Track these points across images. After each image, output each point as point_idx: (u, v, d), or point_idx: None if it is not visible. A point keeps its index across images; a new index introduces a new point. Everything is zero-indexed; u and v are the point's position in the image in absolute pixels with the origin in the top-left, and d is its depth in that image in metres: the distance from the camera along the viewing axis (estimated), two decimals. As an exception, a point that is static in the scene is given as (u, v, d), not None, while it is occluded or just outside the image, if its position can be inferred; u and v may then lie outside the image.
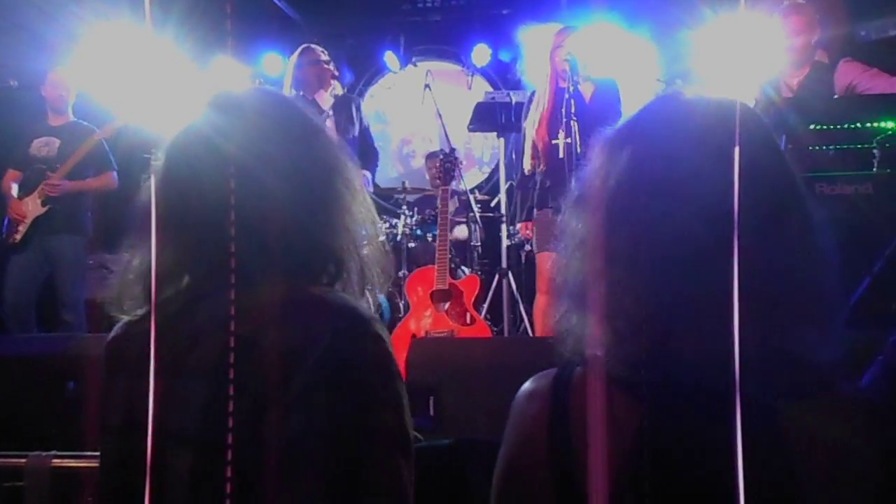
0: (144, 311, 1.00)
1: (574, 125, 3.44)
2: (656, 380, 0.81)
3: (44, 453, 1.72)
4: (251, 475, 0.82)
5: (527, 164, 3.87)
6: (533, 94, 3.96)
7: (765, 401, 0.78)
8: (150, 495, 0.88)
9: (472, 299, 4.07)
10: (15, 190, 4.62)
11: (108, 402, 1.01)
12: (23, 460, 1.73)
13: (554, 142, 3.74)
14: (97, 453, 1.71)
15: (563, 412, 0.85)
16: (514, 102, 5.11)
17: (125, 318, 1.03)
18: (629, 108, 4.16)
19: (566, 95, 3.53)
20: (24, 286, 4.50)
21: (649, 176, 0.83)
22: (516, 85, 6.23)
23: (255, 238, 0.93)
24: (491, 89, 6.70)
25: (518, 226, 4.17)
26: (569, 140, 3.62)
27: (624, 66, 4.35)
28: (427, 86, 5.48)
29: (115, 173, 4.75)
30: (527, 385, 0.92)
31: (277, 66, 6.40)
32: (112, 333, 1.05)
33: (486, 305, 4.70)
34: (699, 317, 0.78)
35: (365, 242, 1.03)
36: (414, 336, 3.78)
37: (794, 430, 0.78)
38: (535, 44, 4.39)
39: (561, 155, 3.69)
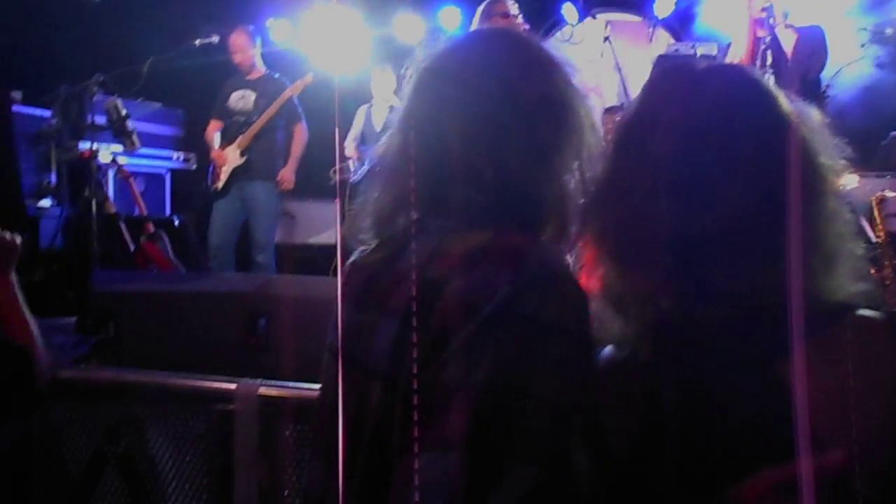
0: (375, 243, 1.04)
1: (769, 79, 3.21)
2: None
3: (251, 381, 1.87)
4: (423, 415, 0.82)
5: None
6: (728, 46, 3.74)
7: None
8: (343, 424, 0.94)
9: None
10: (217, 140, 5.01)
11: (335, 323, 1.05)
12: (233, 386, 1.88)
13: None
14: (297, 384, 1.86)
15: None
16: (698, 54, 4.86)
17: (361, 248, 1.06)
18: (835, 56, 3.78)
19: (762, 46, 3.31)
20: (225, 229, 4.91)
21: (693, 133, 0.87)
22: (700, 36, 5.91)
23: (471, 180, 0.93)
24: (673, 41, 6.41)
25: None
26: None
27: (826, 11, 4.02)
28: (606, 38, 5.33)
29: (304, 124, 5.03)
30: None
31: (455, 20, 6.44)
32: (349, 259, 1.09)
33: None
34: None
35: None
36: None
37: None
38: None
39: None
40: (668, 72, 1.00)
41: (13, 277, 1.80)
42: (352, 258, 1.10)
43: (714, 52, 4.71)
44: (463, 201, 0.94)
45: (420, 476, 0.77)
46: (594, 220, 0.94)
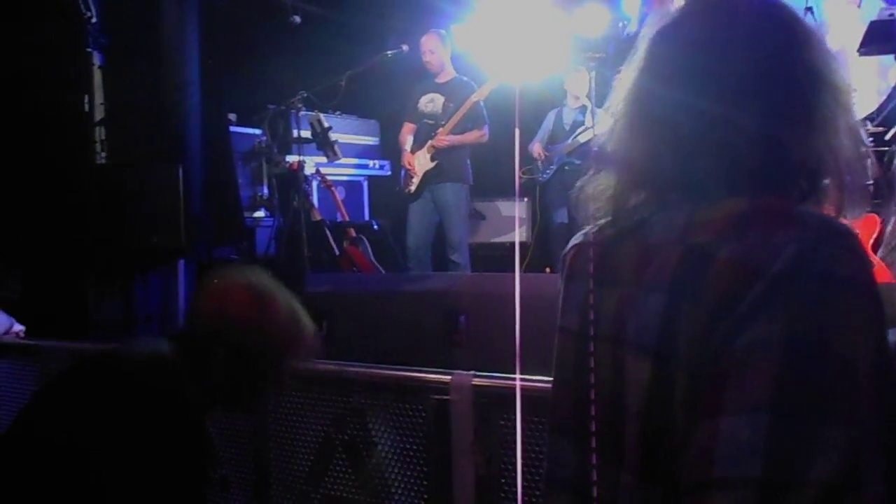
0: (604, 221, 1.02)
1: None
2: None
3: (465, 373, 1.93)
4: (699, 386, 0.80)
5: None
6: None
7: None
8: (595, 406, 0.92)
9: (870, 242, 3.64)
10: (409, 143, 5.20)
11: (565, 305, 1.05)
12: (448, 378, 1.95)
13: None
14: (509, 375, 1.89)
15: None
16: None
17: (586, 228, 1.06)
18: None
19: None
20: (421, 230, 5.07)
21: None
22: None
23: (721, 149, 0.90)
24: (885, 5, 5.84)
25: None
26: None
27: None
28: (808, 8, 4.96)
29: (486, 128, 5.09)
30: None
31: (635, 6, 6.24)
32: (572, 241, 1.09)
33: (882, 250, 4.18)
34: None
35: (846, 162, 0.91)
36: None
37: None
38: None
39: None
40: None
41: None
42: (573, 241, 1.09)
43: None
44: (710, 173, 0.90)
45: (727, 439, 0.75)
46: None
